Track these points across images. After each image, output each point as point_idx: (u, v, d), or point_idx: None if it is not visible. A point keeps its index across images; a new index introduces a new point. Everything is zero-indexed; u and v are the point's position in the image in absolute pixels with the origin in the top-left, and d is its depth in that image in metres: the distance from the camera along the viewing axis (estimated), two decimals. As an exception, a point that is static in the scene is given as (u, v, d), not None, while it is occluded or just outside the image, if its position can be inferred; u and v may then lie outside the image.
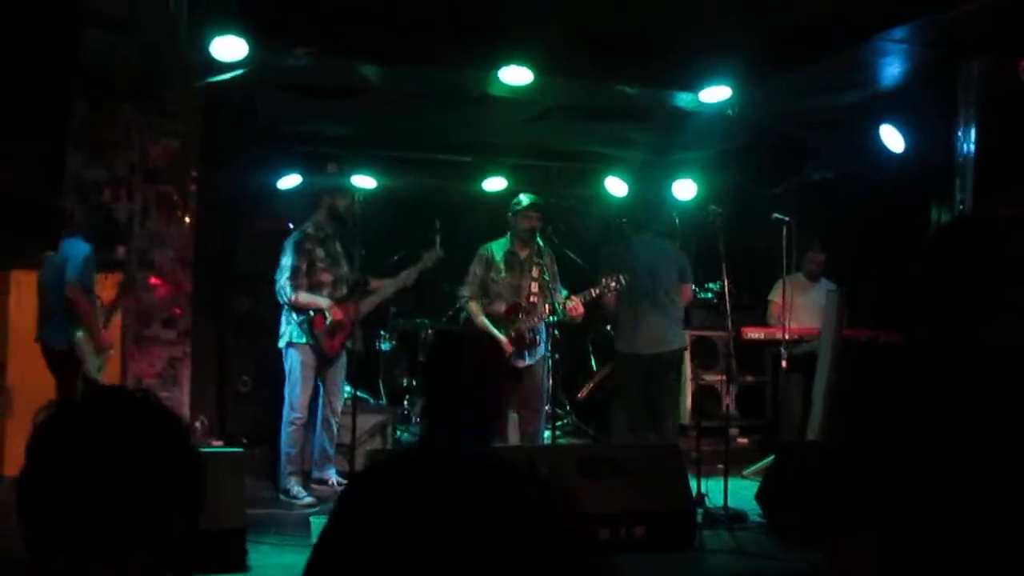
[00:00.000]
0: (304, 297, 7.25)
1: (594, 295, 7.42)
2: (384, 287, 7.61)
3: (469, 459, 2.94)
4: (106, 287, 7.55)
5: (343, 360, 7.50)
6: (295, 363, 7.24)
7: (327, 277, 7.36)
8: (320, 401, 7.44)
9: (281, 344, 7.30)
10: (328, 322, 7.23)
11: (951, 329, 2.55)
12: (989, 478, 2.32)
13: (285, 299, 7.20)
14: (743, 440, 9.79)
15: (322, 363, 7.34)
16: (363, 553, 2.81)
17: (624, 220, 7.58)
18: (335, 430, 7.49)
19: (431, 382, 3.08)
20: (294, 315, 7.21)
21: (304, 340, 7.22)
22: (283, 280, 7.23)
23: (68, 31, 5.92)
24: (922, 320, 2.64)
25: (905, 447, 2.43)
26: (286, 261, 7.28)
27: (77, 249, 6.95)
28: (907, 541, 2.41)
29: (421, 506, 2.82)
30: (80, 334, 6.90)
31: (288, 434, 7.22)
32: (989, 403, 2.39)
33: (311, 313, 7.23)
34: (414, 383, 9.07)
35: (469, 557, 2.64)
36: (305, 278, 7.28)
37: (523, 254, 7.51)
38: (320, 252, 7.34)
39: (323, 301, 7.29)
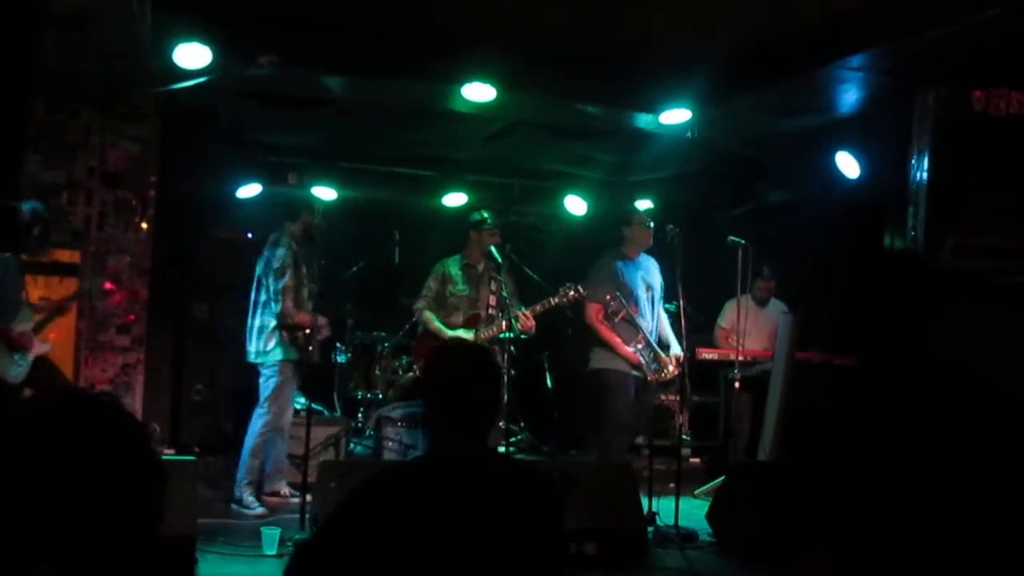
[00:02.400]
0: (301, 316, 7.29)
1: (552, 304, 7.43)
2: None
3: (472, 459, 2.98)
4: (59, 290, 7.49)
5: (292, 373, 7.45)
6: (281, 379, 7.25)
7: (305, 293, 7.38)
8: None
9: (266, 359, 7.27)
10: (318, 338, 7.30)
11: (887, 345, 2.61)
12: (928, 489, 2.37)
13: (292, 319, 7.21)
14: (695, 460, 9.83)
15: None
16: (377, 548, 2.79)
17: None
18: (287, 442, 7.47)
19: (432, 391, 3.09)
20: (286, 333, 7.21)
21: (295, 356, 7.25)
22: (287, 302, 7.22)
23: (27, 30, 5.87)
24: (865, 341, 2.71)
25: (852, 465, 2.48)
26: (283, 282, 7.24)
27: None
28: (862, 555, 2.46)
29: (435, 502, 2.82)
30: None
31: (254, 444, 7.18)
32: (923, 417, 2.45)
33: (307, 331, 7.21)
34: (367, 396, 9.05)
35: (486, 539, 2.65)
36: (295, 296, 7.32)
37: (480, 267, 7.54)
38: (303, 270, 7.36)
39: (320, 319, 7.34)
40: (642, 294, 7.47)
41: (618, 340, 7.27)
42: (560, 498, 3.03)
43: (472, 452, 2.98)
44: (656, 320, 7.51)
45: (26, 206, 7.09)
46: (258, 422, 7.22)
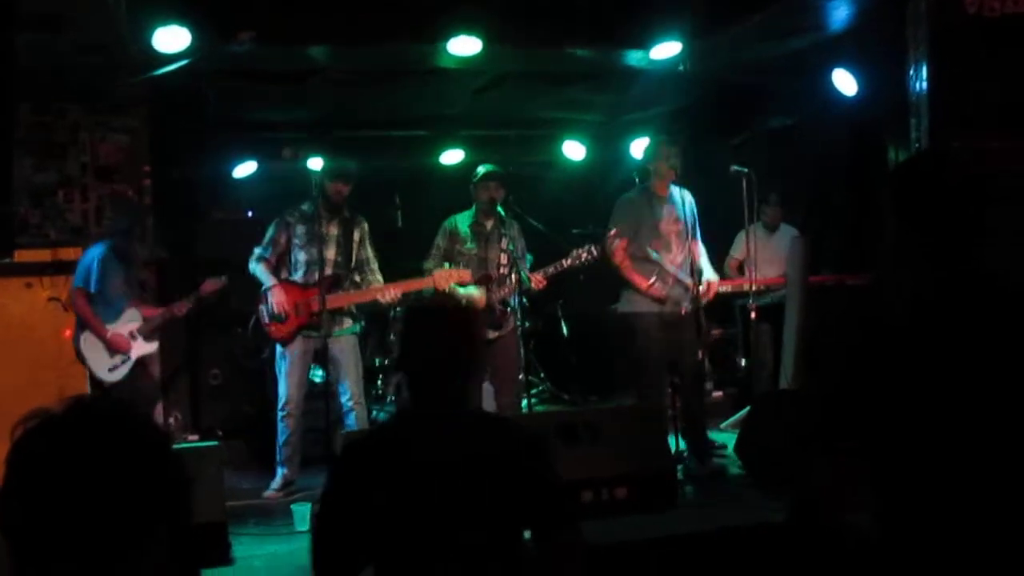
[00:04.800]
0: (256, 268, 7.12)
1: (564, 267, 7.30)
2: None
3: (450, 419, 3.00)
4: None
5: (298, 351, 7.12)
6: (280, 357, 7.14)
7: (302, 256, 7.13)
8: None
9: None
10: (269, 304, 7.02)
11: (948, 261, 2.52)
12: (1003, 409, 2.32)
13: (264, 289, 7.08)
14: (718, 394, 9.80)
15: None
16: (365, 505, 2.88)
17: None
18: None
19: (406, 351, 3.10)
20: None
21: (266, 319, 7.09)
22: (255, 248, 7.14)
23: (2, 34, 5.82)
24: (905, 259, 2.62)
25: (911, 382, 2.41)
26: (267, 232, 7.19)
27: (87, 254, 7.19)
28: (901, 463, 2.41)
29: (414, 460, 2.84)
30: (83, 337, 7.07)
31: (277, 424, 7.08)
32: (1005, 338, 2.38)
33: (262, 290, 7.07)
34: (385, 362, 9.03)
35: (467, 487, 2.66)
36: (275, 251, 7.14)
37: (488, 225, 7.43)
38: (300, 229, 7.12)
39: (268, 280, 7.08)
40: (668, 228, 7.33)
41: (639, 278, 7.15)
42: (541, 453, 3.02)
43: (439, 413, 3.01)
44: (686, 254, 7.34)
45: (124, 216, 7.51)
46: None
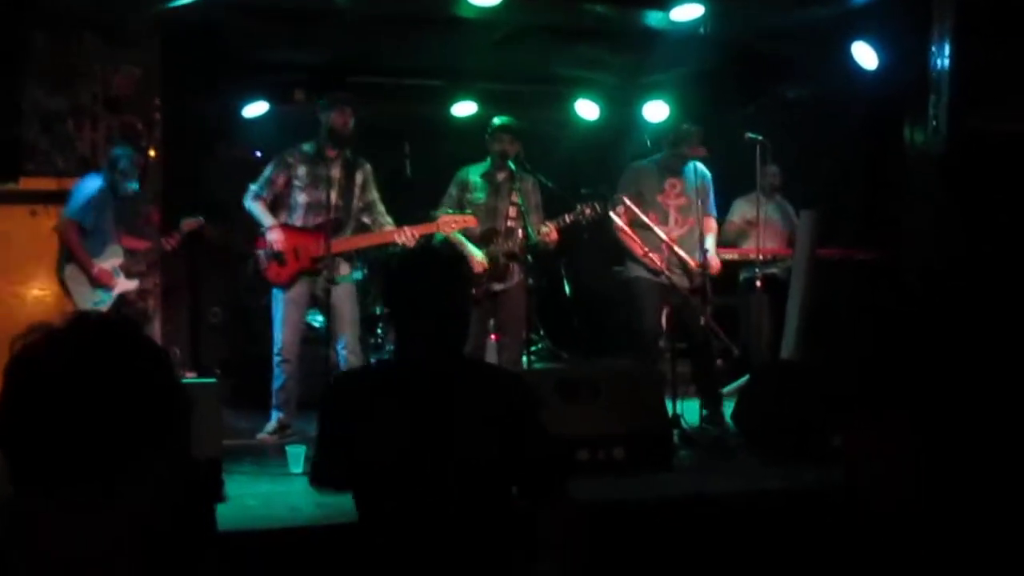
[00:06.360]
0: (252, 206, 6.95)
1: (568, 221, 7.27)
2: None
3: (425, 363, 3.00)
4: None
5: (293, 296, 7.00)
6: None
7: (302, 198, 6.96)
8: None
9: None
10: (268, 245, 6.88)
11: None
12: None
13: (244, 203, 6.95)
14: (717, 361, 9.76)
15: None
16: (350, 445, 2.89)
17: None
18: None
19: (397, 296, 3.08)
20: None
21: (264, 263, 6.95)
22: (251, 185, 7.01)
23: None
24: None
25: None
26: (265, 170, 7.03)
27: (84, 184, 7.16)
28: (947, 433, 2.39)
29: (396, 403, 2.86)
30: (68, 269, 7.07)
31: (273, 368, 7.00)
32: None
33: (260, 230, 6.92)
34: (387, 311, 9.01)
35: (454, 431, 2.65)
36: (271, 190, 6.97)
37: (501, 177, 7.37)
38: (302, 170, 6.94)
39: (267, 220, 6.92)
40: (669, 201, 7.31)
41: (636, 245, 7.16)
42: (530, 400, 3.02)
43: (426, 357, 2.99)
44: (688, 229, 7.33)
45: (118, 151, 7.29)
46: None
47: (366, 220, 7.11)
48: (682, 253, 7.22)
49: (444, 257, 3.36)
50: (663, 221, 7.29)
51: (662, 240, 7.19)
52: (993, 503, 2.28)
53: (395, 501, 2.84)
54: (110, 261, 7.18)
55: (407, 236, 6.90)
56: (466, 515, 2.84)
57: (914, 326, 2.39)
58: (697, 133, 7.35)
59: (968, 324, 2.38)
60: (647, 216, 7.19)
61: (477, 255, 7.18)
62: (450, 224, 7.03)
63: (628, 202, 7.13)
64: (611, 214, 7.11)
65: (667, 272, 7.14)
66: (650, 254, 7.12)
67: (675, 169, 7.35)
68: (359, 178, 7.09)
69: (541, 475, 2.99)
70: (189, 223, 7.45)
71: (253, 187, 7.02)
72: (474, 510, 2.86)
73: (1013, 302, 2.42)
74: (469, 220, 7.11)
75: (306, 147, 7.04)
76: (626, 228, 7.17)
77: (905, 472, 2.27)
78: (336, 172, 7.00)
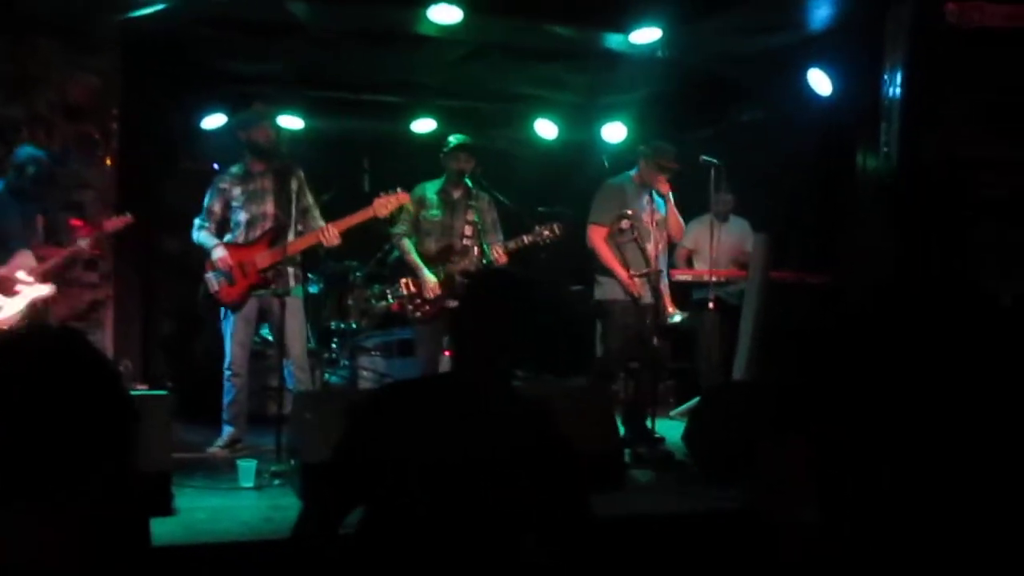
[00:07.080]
0: (198, 236, 7.04)
1: (525, 243, 7.31)
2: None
3: (486, 392, 2.91)
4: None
5: (241, 311, 7.03)
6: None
7: (242, 216, 7.00)
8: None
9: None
10: (213, 265, 6.93)
11: (922, 266, 2.56)
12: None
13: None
14: (669, 381, 9.84)
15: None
16: (376, 454, 2.77)
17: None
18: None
19: (466, 321, 3.02)
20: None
21: (215, 286, 6.98)
22: (195, 219, 7.06)
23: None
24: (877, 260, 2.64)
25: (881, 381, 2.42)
26: (204, 201, 7.09)
27: None
28: (850, 457, 2.43)
29: (439, 422, 2.75)
30: None
31: (223, 383, 7.03)
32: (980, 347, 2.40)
33: (209, 257, 6.96)
34: (342, 326, 8.99)
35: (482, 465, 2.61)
36: (212, 219, 7.04)
37: (456, 194, 7.40)
38: (236, 191, 7.00)
39: (211, 243, 6.98)
40: (649, 218, 7.34)
41: (618, 264, 7.20)
42: (556, 430, 2.95)
43: (474, 378, 2.92)
44: (664, 244, 7.41)
45: (23, 154, 7.06)
46: None
47: (300, 227, 7.11)
48: (664, 289, 7.32)
49: (517, 280, 3.22)
50: (646, 239, 7.30)
51: (648, 268, 7.22)
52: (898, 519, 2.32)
53: (413, 513, 2.72)
54: (17, 267, 6.90)
55: (330, 235, 6.92)
56: (480, 545, 2.74)
57: (843, 350, 2.44)
58: (672, 150, 7.41)
59: (911, 346, 2.43)
60: (634, 236, 7.22)
61: (430, 280, 7.21)
62: (385, 205, 7.04)
63: (630, 222, 7.18)
64: (594, 226, 7.20)
65: (643, 296, 7.22)
66: (635, 278, 7.17)
67: (646, 186, 7.40)
68: (294, 184, 7.09)
69: (567, 526, 2.87)
70: (113, 222, 7.21)
71: (196, 220, 7.11)
72: (484, 545, 2.75)
73: (958, 325, 2.47)
74: (403, 197, 7.11)
75: (234, 169, 7.13)
76: (607, 249, 7.25)
77: (802, 493, 2.30)
78: (268, 183, 7.03)
